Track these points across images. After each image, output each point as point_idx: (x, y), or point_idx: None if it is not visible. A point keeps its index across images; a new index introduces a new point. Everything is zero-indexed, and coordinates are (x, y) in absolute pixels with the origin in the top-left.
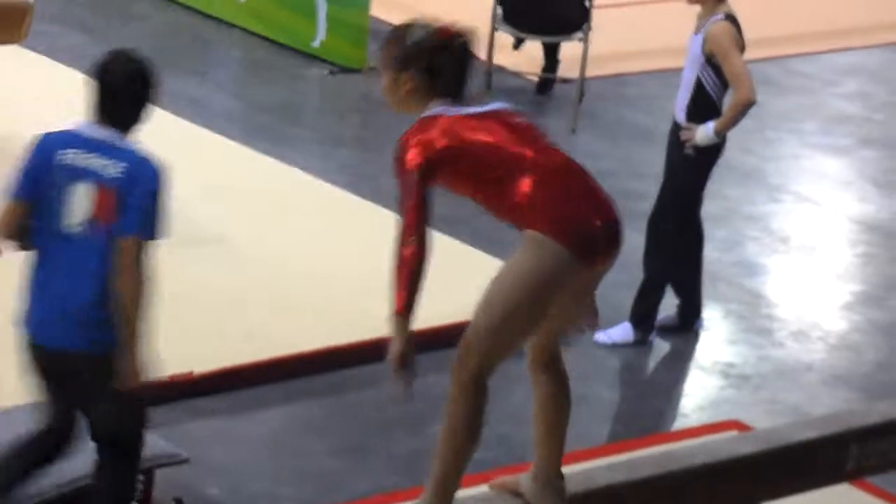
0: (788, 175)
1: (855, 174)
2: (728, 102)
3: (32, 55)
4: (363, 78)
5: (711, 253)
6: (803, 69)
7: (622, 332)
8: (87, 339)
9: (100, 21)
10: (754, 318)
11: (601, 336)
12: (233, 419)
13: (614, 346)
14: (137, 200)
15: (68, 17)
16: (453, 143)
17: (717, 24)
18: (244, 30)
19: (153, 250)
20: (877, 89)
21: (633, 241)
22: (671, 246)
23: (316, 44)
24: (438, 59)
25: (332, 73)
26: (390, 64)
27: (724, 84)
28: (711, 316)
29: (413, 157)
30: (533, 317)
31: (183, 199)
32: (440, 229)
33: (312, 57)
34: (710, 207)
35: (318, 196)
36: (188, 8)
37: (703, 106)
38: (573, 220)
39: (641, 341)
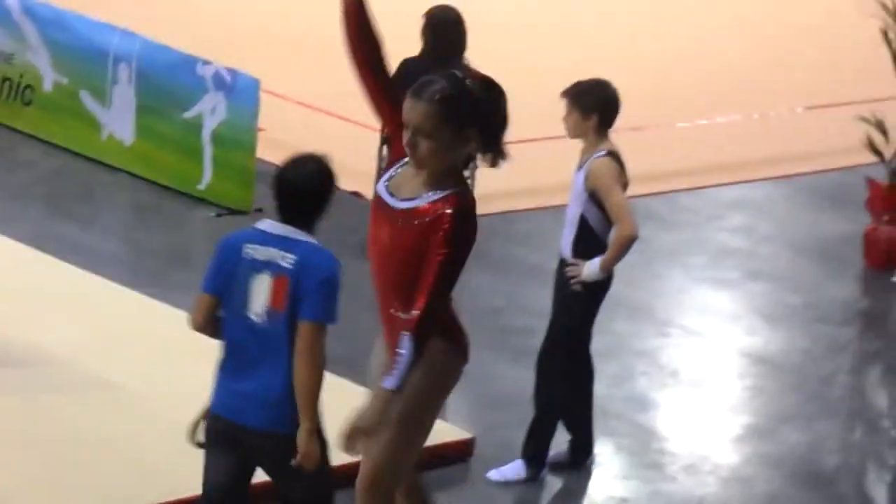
0: (676, 309)
1: (742, 307)
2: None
3: None
4: (249, 219)
5: (601, 388)
6: (689, 203)
7: (514, 469)
8: (270, 420)
9: None
10: (646, 453)
11: (494, 474)
12: None
13: (507, 484)
14: (312, 287)
15: None
16: None
17: (599, 161)
18: (131, 174)
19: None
20: (761, 223)
21: (522, 377)
22: (561, 382)
23: (202, 186)
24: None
25: (219, 215)
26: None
27: (607, 220)
28: (603, 451)
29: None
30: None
31: (73, 342)
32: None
33: (199, 199)
34: (599, 342)
35: (205, 339)
36: (75, 154)
37: (588, 242)
38: None
39: (533, 478)
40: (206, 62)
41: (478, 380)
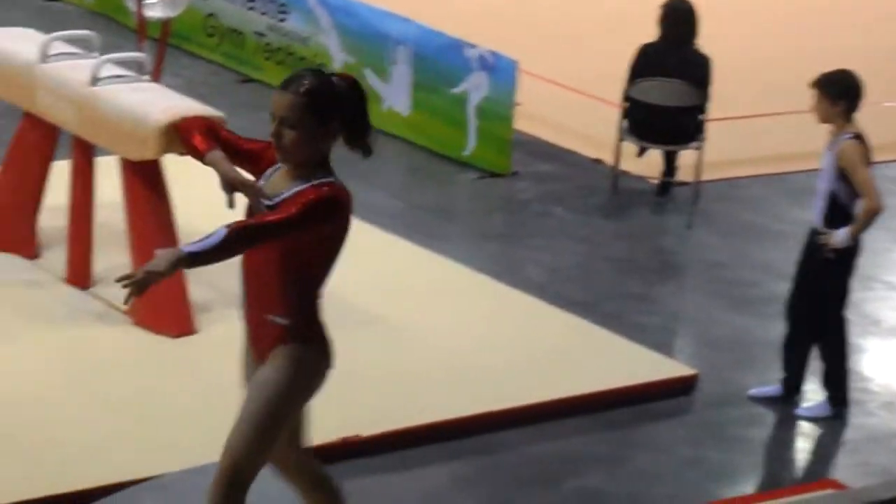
0: (881, 266)
1: None
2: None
3: None
4: (507, 181)
5: None
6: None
7: (821, 408)
8: None
9: None
10: (849, 391)
11: (802, 411)
12: (394, 476)
13: (728, 417)
14: None
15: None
16: None
17: (847, 143)
18: (406, 141)
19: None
20: None
21: (741, 323)
22: (839, 336)
23: (466, 152)
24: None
25: (480, 177)
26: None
27: (854, 194)
28: (811, 388)
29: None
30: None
31: (354, 286)
32: (575, 313)
33: (463, 164)
34: None
35: (468, 283)
36: None
37: (837, 213)
38: None
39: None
40: (472, 45)
41: (702, 324)
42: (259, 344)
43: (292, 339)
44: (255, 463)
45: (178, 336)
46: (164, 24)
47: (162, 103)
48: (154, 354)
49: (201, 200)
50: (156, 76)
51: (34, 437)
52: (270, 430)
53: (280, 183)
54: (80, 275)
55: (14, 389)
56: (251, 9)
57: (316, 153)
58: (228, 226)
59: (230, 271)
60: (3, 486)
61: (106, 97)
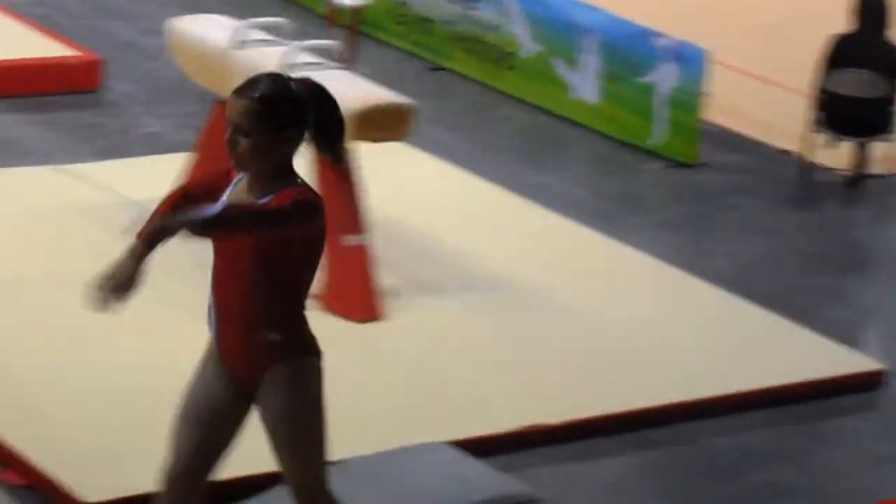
0: None
1: None
2: None
3: (415, 152)
4: (694, 172)
5: None
6: None
7: None
8: None
9: (470, 122)
10: None
11: None
12: (578, 465)
13: None
14: None
15: (442, 118)
16: None
17: None
18: (593, 130)
19: None
20: None
21: None
22: None
23: (653, 142)
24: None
25: (666, 167)
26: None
27: None
28: None
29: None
30: None
31: (534, 274)
32: (762, 306)
33: (650, 153)
34: None
35: (654, 273)
36: (546, 112)
37: None
38: None
39: None
40: (660, 35)
41: (891, 319)
42: (246, 366)
43: (285, 355)
44: (325, 481)
45: (365, 321)
46: (356, 12)
47: (353, 91)
48: (340, 340)
49: (392, 188)
50: (347, 63)
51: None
52: (316, 449)
53: (241, 195)
54: None
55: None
56: None
57: (273, 161)
58: (224, 206)
59: (420, 258)
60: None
61: None
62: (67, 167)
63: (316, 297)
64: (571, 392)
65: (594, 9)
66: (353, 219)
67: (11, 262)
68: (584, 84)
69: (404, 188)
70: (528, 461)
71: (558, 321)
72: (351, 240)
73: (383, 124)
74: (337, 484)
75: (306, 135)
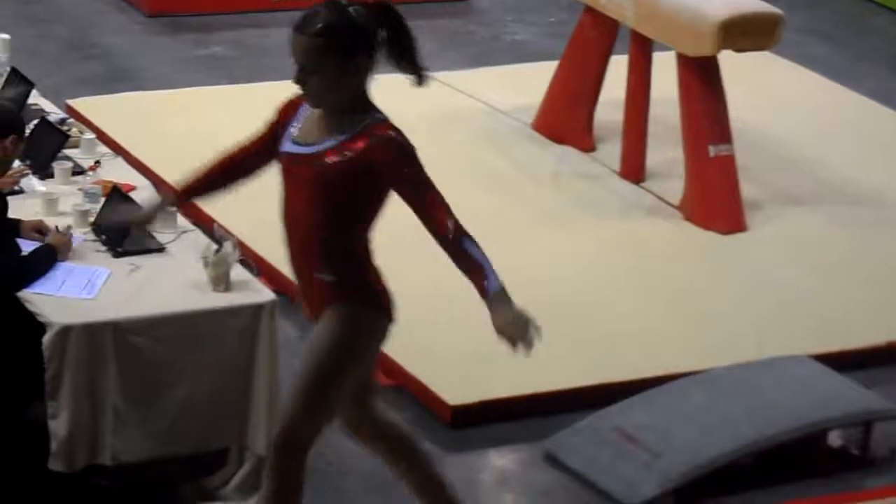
0: None
1: None
2: None
3: (781, 61)
4: None
5: None
6: None
7: None
8: None
9: (840, 32)
10: None
11: None
12: None
13: None
14: None
15: (812, 27)
16: None
17: None
18: None
19: None
20: None
21: None
22: None
23: None
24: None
25: None
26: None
27: None
28: None
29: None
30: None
31: None
32: None
33: None
34: None
35: None
36: None
37: None
38: None
39: None
40: None
41: None
42: (311, 302)
43: (342, 297)
44: (312, 425)
45: (729, 233)
46: None
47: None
48: (703, 250)
49: (757, 97)
50: None
51: (589, 324)
52: (324, 390)
53: (314, 130)
54: (633, 168)
55: (571, 276)
56: None
57: (348, 93)
58: (455, 235)
59: (783, 168)
60: (561, 372)
61: None
62: (438, 74)
63: (679, 206)
64: None
65: None
66: (716, 128)
67: None
68: None
69: (770, 97)
70: (891, 377)
71: None
72: (713, 149)
73: (750, 32)
74: (698, 393)
75: (381, 56)
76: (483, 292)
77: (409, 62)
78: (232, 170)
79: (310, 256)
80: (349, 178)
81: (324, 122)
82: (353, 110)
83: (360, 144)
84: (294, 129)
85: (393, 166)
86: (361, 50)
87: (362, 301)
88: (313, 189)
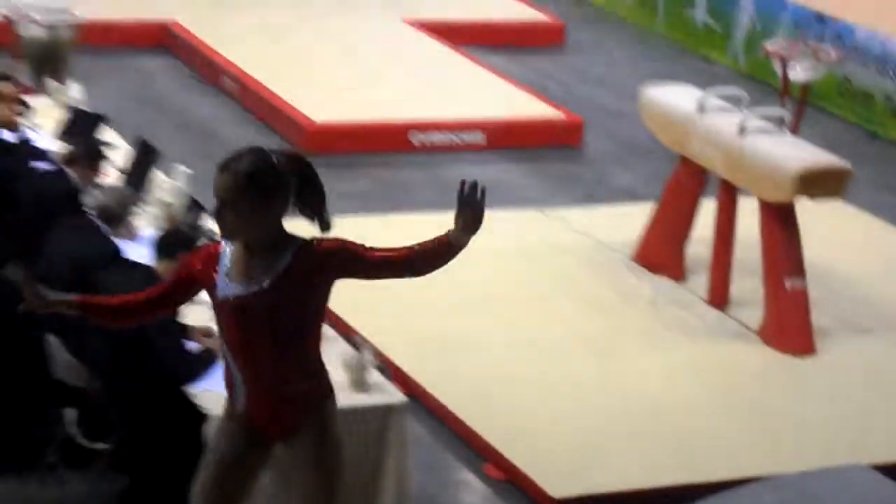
0: None
1: None
2: None
3: (850, 209)
4: None
5: None
6: None
7: None
8: None
9: None
10: None
11: None
12: None
13: None
14: None
15: (876, 181)
16: None
17: None
18: None
19: None
20: None
21: None
22: None
23: None
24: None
25: None
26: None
27: None
28: None
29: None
30: None
31: None
32: None
33: None
34: None
35: None
36: None
37: None
38: None
39: None
40: None
41: None
42: (278, 421)
43: (317, 400)
44: None
45: (800, 355)
46: (805, 86)
47: (798, 152)
48: (779, 370)
49: (827, 240)
50: (795, 130)
51: (679, 430)
52: (338, 492)
53: (246, 267)
54: (719, 296)
55: (663, 389)
56: (882, 74)
57: (263, 230)
58: (414, 252)
59: (850, 301)
60: (652, 471)
61: (750, 146)
62: (551, 211)
63: (758, 331)
64: None
65: None
66: (791, 263)
67: (502, 287)
68: None
69: (838, 240)
70: None
71: None
72: (789, 282)
73: (822, 183)
74: (769, 496)
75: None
76: (442, 238)
77: (316, 211)
78: (123, 312)
79: (283, 371)
80: (307, 293)
81: (249, 259)
82: (276, 244)
83: (306, 263)
84: (223, 275)
85: (348, 252)
86: (279, 195)
87: (327, 396)
88: (272, 317)
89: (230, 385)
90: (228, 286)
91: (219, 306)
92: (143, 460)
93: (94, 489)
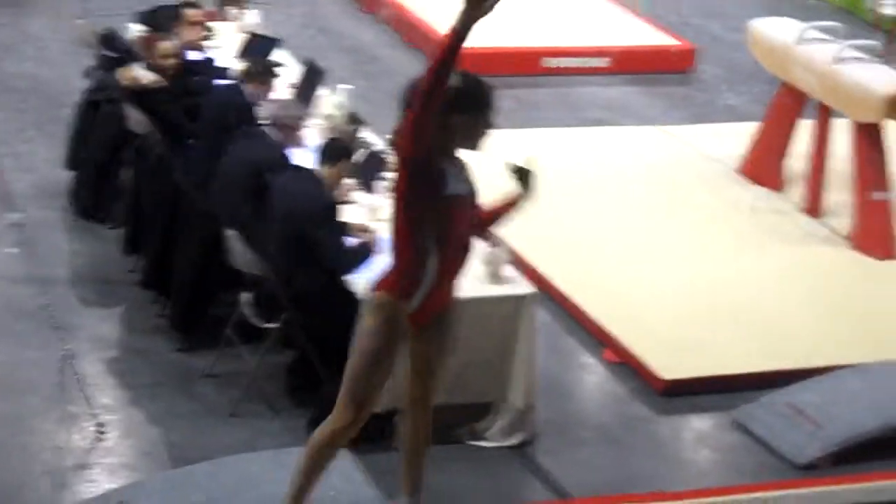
0: None
1: None
2: None
3: None
4: None
5: None
6: None
7: None
8: None
9: None
10: None
11: None
12: None
13: None
14: None
15: None
16: None
17: None
18: None
19: None
20: None
21: None
22: None
23: None
24: None
25: None
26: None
27: None
28: None
29: None
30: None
31: None
32: None
33: None
34: None
35: None
36: None
37: None
38: None
39: None
40: None
41: None
42: (445, 308)
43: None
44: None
45: (884, 258)
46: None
47: (887, 79)
48: (864, 272)
49: None
50: (886, 59)
51: (772, 323)
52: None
53: (459, 171)
54: (813, 206)
55: (761, 287)
56: None
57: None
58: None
59: None
60: (748, 359)
61: (844, 73)
62: (666, 128)
63: (847, 237)
64: None
65: None
66: (878, 177)
67: (622, 195)
68: None
69: None
70: None
71: None
72: (876, 194)
73: None
74: (855, 381)
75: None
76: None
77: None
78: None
79: (465, 263)
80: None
81: (461, 166)
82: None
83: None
84: (450, 175)
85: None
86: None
87: (391, 288)
88: (474, 213)
89: (412, 281)
90: (458, 184)
91: (445, 199)
92: (307, 338)
93: (265, 361)
